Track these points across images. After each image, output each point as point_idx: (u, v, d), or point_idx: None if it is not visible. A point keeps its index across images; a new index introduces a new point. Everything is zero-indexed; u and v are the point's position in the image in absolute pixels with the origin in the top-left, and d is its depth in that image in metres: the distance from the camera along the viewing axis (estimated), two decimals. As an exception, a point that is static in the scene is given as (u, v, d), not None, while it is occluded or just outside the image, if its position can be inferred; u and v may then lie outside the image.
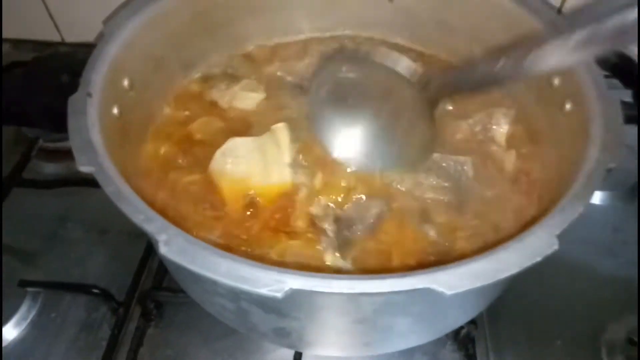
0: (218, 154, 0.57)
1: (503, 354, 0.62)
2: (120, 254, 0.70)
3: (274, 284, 0.35)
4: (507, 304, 0.64)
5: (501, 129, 0.63)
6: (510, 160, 0.61)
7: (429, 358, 0.61)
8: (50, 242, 0.71)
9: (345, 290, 0.35)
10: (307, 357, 0.58)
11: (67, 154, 0.80)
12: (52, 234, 0.72)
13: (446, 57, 0.72)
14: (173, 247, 0.37)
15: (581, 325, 0.63)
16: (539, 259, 0.37)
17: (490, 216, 0.56)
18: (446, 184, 0.57)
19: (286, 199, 0.56)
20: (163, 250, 0.36)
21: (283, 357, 0.60)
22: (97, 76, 0.49)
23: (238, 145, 0.57)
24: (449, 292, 0.35)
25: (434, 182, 0.57)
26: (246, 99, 0.66)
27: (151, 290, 0.63)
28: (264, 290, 0.35)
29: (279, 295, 0.35)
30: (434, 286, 0.35)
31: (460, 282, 0.35)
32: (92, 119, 0.45)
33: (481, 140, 0.62)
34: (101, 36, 0.53)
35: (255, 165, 0.57)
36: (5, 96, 0.64)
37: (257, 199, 0.56)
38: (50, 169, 0.80)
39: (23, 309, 0.64)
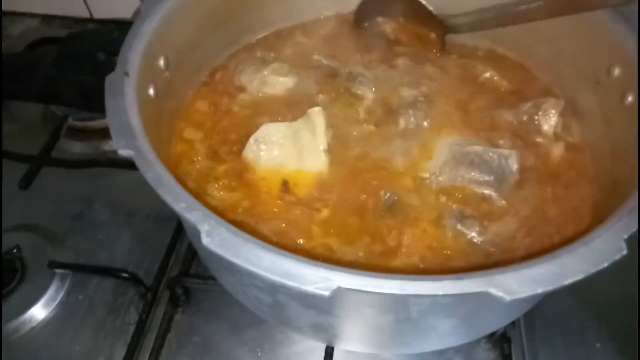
0: (252, 140, 0.55)
1: (538, 355, 0.60)
2: (147, 238, 0.69)
3: (321, 281, 0.33)
4: (543, 303, 0.61)
5: (549, 120, 0.60)
6: (557, 153, 0.58)
7: (462, 356, 0.59)
8: (78, 223, 0.71)
9: (396, 292, 0.33)
10: (338, 352, 0.57)
11: (95, 134, 0.80)
12: (80, 215, 0.71)
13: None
14: (215, 238, 0.35)
15: (623, 329, 0.61)
16: (605, 264, 0.34)
17: (535, 212, 0.53)
18: (488, 178, 0.54)
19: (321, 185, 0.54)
20: (205, 241, 0.35)
21: (311, 348, 0.59)
22: (134, 55, 0.47)
23: (272, 131, 0.55)
24: (508, 298, 0.32)
25: (476, 176, 0.54)
26: (276, 83, 0.64)
27: (180, 276, 0.62)
28: (310, 288, 0.33)
29: (326, 293, 0.33)
30: (492, 290, 0.33)
31: (520, 287, 0.33)
32: (130, 99, 0.43)
33: (527, 132, 0.59)
34: (138, 13, 0.50)
35: (289, 152, 0.55)
36: (37, 74, 0.62)
37: (292, 185, 0.54)
38: (77, 148, 0.79)
39: (51, 290, 0.63)
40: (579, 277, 0.33)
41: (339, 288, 0.33)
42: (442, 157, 0.56)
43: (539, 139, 0.59)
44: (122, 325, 0.62)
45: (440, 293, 0.33)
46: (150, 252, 0.67)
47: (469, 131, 0.59)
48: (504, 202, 0.54)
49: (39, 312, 0.62)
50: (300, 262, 0.34)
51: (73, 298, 0.63)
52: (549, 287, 0.33)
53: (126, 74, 0.45)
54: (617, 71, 0.51)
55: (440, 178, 0.55)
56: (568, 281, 0.33)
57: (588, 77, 0.57)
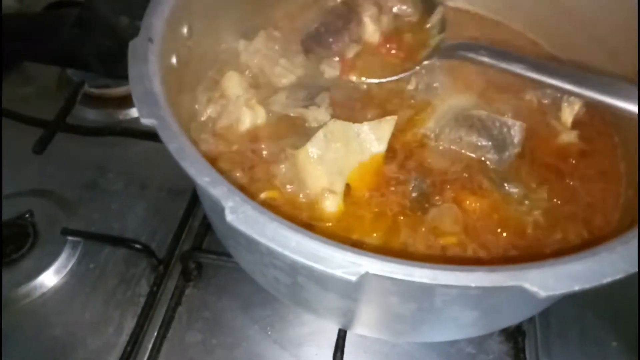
0: (320, 134, 0.50)
1: (552, 350, 0.59)
2: (160, 210, 0.68)
3: (349, 266, 0.32)
4: (560, 299, 0.60)
5: (572, 108, 0.59)
6: (568, 141, 0.57)
7: (474, 347, 0.58)
8: (91, 191, 0.70)
9: (427, 281, 0.31)
10: (350, 335, 0.56)
11: (110, 101, 0.78)
12: (93, 183, 0.70)
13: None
14: (240, 215, 0.34)
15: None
16: (647, 265, 0.33)
17: (525, 187, 0.53)
18: (486, 143, 0.54)
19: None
20: (229, 218, 0.33)
21: (323, 330, 0.58)
22: (158, 20, 0.46)
23: (339, 129, 0.51)
24: (544, 294, 0.31)
25: (474, 140, 0.55)
26: (284, 77, 0.61)
27: (194, 251, 0.61)
28: (338, 272, 0.32)
29: (353, 279, 0.31)
30: (527, 285, 0.31)
31: (557, 283, 0.32)
32: (153, 67, 0.42)
33: (544, 114, 0.59)
34: (163, -23, 0.48)
35: (352, 153, 0.52)
36: (57, 35, 0.60)
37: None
38: (93, 115, 0.77)
39: (63, 257, 0.63)
40: (619, 276, 0.32)
41: (367, 274, 0.32)
42: (445, 118, 0.56)
43: (555, 123, 0.58)
44: (133, 296, 0.61)
45: (473, 285, 0.31)
46: (163, 224, 0.67)
47: (481, 98, 0.59)
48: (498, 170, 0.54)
49: (49, 278, 0.62)
50: (327, 244, 0.33)
51: (84, 266, 0.63)
52: (587, 285, 0.32)
53: (150, 40, 0.43)
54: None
55: (439, 137, 0.56)
56: (607, 280, 0.32)
57: (626, 68, 0.55)
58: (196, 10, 0.53)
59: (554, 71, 0.50)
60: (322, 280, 0.39)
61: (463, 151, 0.56)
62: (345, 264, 0.32)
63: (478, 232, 0.50)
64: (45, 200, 0.67)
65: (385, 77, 0.61)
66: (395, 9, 0.68)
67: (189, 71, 0.54)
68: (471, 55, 0.56)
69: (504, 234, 0.50)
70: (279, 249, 0.32)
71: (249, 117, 0.56)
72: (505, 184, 0.54)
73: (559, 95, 0.60)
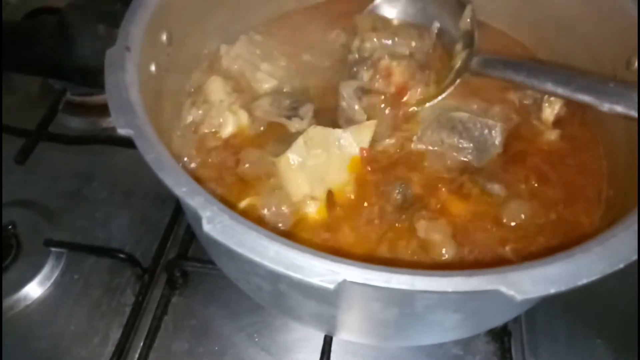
0: (300, 141, 0.50)
1: (538, 350, 0.59)
2: (146, 218, 0.68)
3: (327, 274, 0.32)
4: (545, 297, 0.61)
5: (553, 107, 0.59)
6: (550, 140, 0.58)
7: (461, 348, 0.59)
8: (75, 200, 0.69)
9: (405, 287, 0.31)
10: (337, 340, 0.56)
11: (93, 109, 0.77)
12: (77, 192, 0.70)
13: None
14: (217, 225, 0.33)
15: (625, 325, 0.60)
16: (621, 265, 0.33)
17: (508, 187, 0.53)
18: (467, 145, 0.55)
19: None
20: (206, 228, 0.33)
21: (310, 336, 0.58)
22: (136, 29, 0.45)
23: (319, 135, 0.51)
24: (519, 297, 0.31)
25: (456, 141, 0.55)
26: (266, 82, 0.61)
27: (179, 259, 0.61)
28: (315, 280, 0.32)
29: (331, 287, 0.31)
30: (503, 289, 0.31)
31: (533, 286, 0.32)
32: (130, 76, 0.42)
33: (526, 113, 0.59)
34: (141, -15, 0.48)
35: (333, 159, 0.52)
36: (35, 45, 0.59)
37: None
38: (75, 123, 0.77)
39: (47, 269, 0.62)
40: (595, 277, 0.32)
41: (344, 281, 0.32)
42: (427, 120, 0.57)
43: (536, 123, 0.59)
44: (118, 306, 0.61)
45: (450, 290, 0.31)
46: (148, 232, 0.66)
47: (463, 100, 0.59)
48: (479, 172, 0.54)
49: (33, 290, 0.61)
50: (305, 252, 0.32)
51: (68, 277, 0.62)
52: (563, 288, 0.32)
53: (127, 48, 0.43)
54: (636, 64, 0.49)
55: (421, 139, 0.56)
56: (583, 282, 0.32)
57: (606, 69, 0.55)
58: (175, 17, 0.53)
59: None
60: (303, 288, 0.39)
61: (445, 153, 0.56)
62: (323, 272, 0.32)
63: (463, 234, 0.50)
64: (28, 211, 0.66)
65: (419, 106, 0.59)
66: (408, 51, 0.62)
67: (170, 78, 0.54)
68: (509, 74, 0.55)
69: (489, 234, 0.50)
70: (257, 259, 0.32)
71: (232, 121, 0.56)
72: (488, 185, 0.54)
73: (539, 95, 0.60)
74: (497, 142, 0.55)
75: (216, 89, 0.58)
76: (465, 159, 0.55)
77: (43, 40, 0.59)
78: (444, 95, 0.59)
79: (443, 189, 0.53)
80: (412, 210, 0.52)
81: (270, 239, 0.33)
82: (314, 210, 0.48)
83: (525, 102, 0.61)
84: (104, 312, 0.60)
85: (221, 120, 0.56)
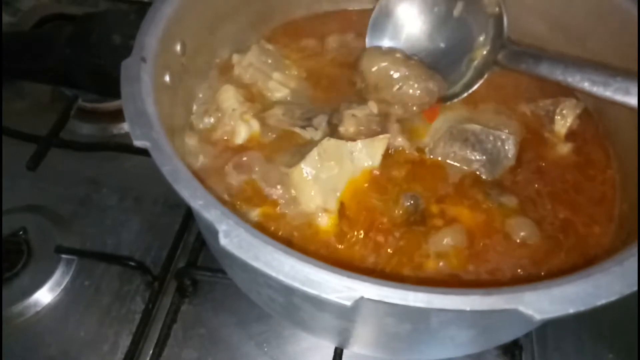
0: (314, 153, 0.49)
1: (549, 364, 0.59)
2: (156, 224, 0.68)
3: (344, 290, 0.32)
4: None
5: (565, 120, 0.59)
6: (562, 154, 0.58)
7: (471, 361, 0.58)
8: (85, 206, 0.69)
9: (422, 305, 0.31)
10: (347, 352, 0.56)
11: (104, 116, 0.78)
12: (88, 199, 0.70)
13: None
14: (234, 239, 0.33)
15: (636, 339, 0.59)
16: (640, 286, 0.33)
17: (521, 200, 0.53)
18: (480, 157, 0.55)
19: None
20: (223, 242, 0.33)
21: (320, 346, 0.58)
22: (151, 39, 0.45)
23: (333, 147, 0.50)
24: (538, 317, 0.31)
25: (468, 154, 0.55)
26: (278, 91, 0.61)
27: (189, 268, 0.61)
28: (332, 297, 0.31)
29: (348, 303, 0.31)
30: (522, 308, 0.31)
31: (552, 306, 0.31)
32: (146, 87, 0.42)
33: (539, 126, 0.59)
34: (156, -4, 0.48)
35: (346, 171, 0.51)
36: (50, 54, 0.60)
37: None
38: (87, 129, 0.77)
39: (57, 275, 0.62)
40: (614, 298, 0.32)
41: (362, 298, 0.31)
42: (440, 132, 0.57)
43: (549, 136, 0.59)
44: (128, 313, 0.61)
45: (468, 309, 0.31)
46: (158, 239, 0.66)
47: (475, 110, 0.59)
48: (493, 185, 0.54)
49: (44, 296, 0.61)
50: (322, 268, 0.32)
51: (79, 283, 0.62)
52: (582, 308, 0.32)
53: (143, 59, 0.43)
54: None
55: (434, 151, 0.56)
56: (602, 302, 0.32)
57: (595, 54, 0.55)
58: (189, 27, 0.53)
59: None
60: (317, 302, 0.38)
61: (457, 165, 0.56)
62: (340, 288, 0.32)
63: (475, 246, 0.50)
64: (38, 217, 0.66)
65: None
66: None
67: (183, 86, 0.54)
68: (542, 70, 0.50)
69: (501, 248, 0.50)
70: (273, 274, 0.32)
71: (244, 130, 0.56)
72: (500, 198, 0.54)
73: (551, 107, 0.60)
74: (510, 155, 0.55)
75: (228, 97, 0.58)
76: (477, 172, 0.55)
77: (58, 49, 0.59)
78: (465, 94, 0.58)
79: (455, 201, 0.53)
80: (423, 222, 0.52)
81: (287, 254, 0.33)
82: (326, 222, 0.48)
83: (537, 113, 0.61)
84: (113, 319, 0.60)
85: (233, 128, 0.56)
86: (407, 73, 0.56)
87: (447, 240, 0.50)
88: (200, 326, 0.60)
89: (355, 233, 0.49)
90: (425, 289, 0.32)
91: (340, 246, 0.48)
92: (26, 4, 0.94)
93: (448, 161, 0.56)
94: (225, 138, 0.56)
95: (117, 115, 0.76)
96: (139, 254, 0.65)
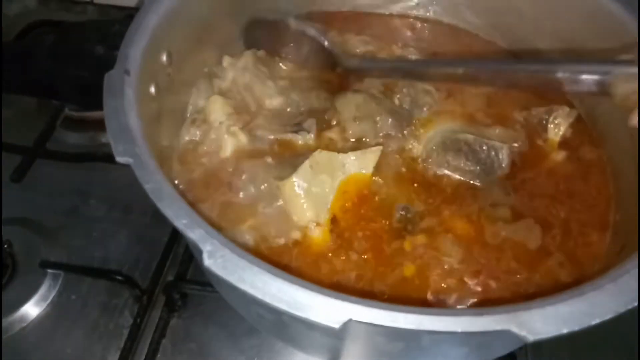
0: (307, 165, 0.49)
1: (544, 375, 0.58)
2: (144, 236, 0.67)
3: (332, 313, 0.31)
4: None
5: (559, 128, 0.59)
6: (556, 162, 0.57)
7: (466, 373, 0.57)
8: (72, 218, 0.68)
9: (412, 327, 0.30)
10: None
11: (92, 124, 0.76)
12: (74, 210, 0.68)
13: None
14: (219, 259, 0.32)
15: (631, 352, 0.59)
16: (635, 304, 0.32)
17: (514, 210, 0.53)
18: (473, 168, 0.54)
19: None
20: (207, 262, 0.32)
21: (312, 360, 0.57)
22: (135, 51, 0.44)
23: (325, 159, 0.50)
24: (531, 338, 0.30)
25: (462, 164, 0.54)
26: (272, 97, 0.60)
27: (177, 281, 0.60)
28: (320, 320, 0.30)
29: (336, 326, 0.30)
30: (515, 329, 0.30)
31: (545, 326, 0.31)
32: (129, 100, 0.41)
33: (532, 134, 0.59)
34: (141, 5, 0.47)
35: (337, 184, 0.51)
36: (32, 66, 0.58)
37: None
38: (74, 139, 0.75)
39: (43, 289, 0.61)
40: (609, 316, 0.31)
41: (350, 321, 0.30)
42: (433, 142, 0.56)
43: (542, 144, 0.58)
44: (116, 328, 0.59)
45: (459, 330, 0.30)
46: (147, 251, 0.65)
47: (468, 121, 0.59)
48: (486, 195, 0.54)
49: (30, 311, 0.60)
50: (309, 289, 0.31)
51: (65, 298, 0.61)
52: (576, 327, 0.31)
53: (127, 72, 0.42)
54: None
55: (427, 161, 0.55)
56: (596, 321, 0.31)
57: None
58: (176, 36, 0.52)
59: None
60: (306, 322, 0.37)
61: (450, 174, 0.55)
62: (327, 310, 0.31)
63: (469, 257, 0.49)
64: (24, 229, 0.65)
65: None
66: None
67: (170, 97, 0.53)
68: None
69: (495, 259, 0.49)
70: (259, 296, 0.31)
71: (230, 144, 0.54)
72: (494, 208, 0.53)
73: (545, 115, 0.60)
74: (503, 165, 0.54)
75: (216, 109, 0.56)
76: (471, 181, 0.54)
77: (39, 61, 0.58)
78: None
79: (447, 212, 0.52)
80: (416, 232, 0.51)
81: (273, 275, 0.32)
82: (318, 235, 0.47)
83: (530, 121, 0.60)
84: (101, 334, 0.59)
85: (220, 142, 0.55)
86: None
87: (440, 250, 0.49)
88: (190, 340, 0.59)
89: (347, 244, 0.48)
90: (415, 310, 0.31)
91: (331, 259, 0.47)
92: (13, 10, 0.93)
93: (442, 171, 0.55)
94: (212, 151, 0.55)
95: (105, 124, 0.74)
96: (127, 266, 0.64)
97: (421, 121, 0.59)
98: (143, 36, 0.46)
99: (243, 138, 0.54)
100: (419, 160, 0.56)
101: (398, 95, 0.60)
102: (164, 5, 0.49)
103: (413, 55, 0.66)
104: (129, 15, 0.59)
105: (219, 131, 0.53)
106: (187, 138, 0.55)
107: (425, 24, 0.71)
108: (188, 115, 0.58)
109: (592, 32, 0.55)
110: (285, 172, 0.49)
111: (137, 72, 0.44)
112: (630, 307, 0.32)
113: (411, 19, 0.71)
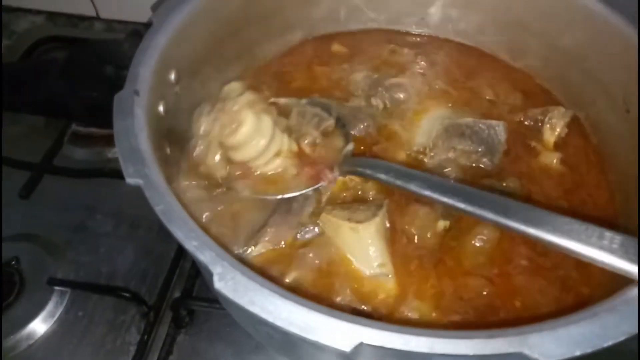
0: (384, 210, 0.49)
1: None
2: (151, 252, 0.67)
3: (343, 336, 0.31)
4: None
5: (553, 129, 0.59)
6: (549, 162, 0.58)
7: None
8: (79, 234, 0.68)
9: (424, 350, 0.30)
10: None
11: (99, 140, 0.77)
12: (81, 225, 0.69)
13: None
14: (229, 282, 0.32)
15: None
16: (649, 325, 0.32)
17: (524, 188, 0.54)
18: (479, 148, 0.56)
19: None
20: (217, 285, 0.32)
21: (319, 377, 0.57)
22: (145, 71, 0.45)
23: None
24: (543, 360, 0.30)
25: (468, 147, 0.55)
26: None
27: (184, 298, 0.60)
28: (331, 343, 0.30)
29: (347, 350, 0.30)
30: (527, 352, 0.30)
31: (558, 349, 0.30)
32: (139, 121, 0.41)
33: (526, 134, 0.60)
34: (150, 25, 0.48)
35: None
36: (42, 86, 0.59)
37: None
38: (81, 154, 0.76)
39: (50, 306, 0.61)
40: (622, 338, 0.31)
41: (361, 344, 0.30)
42: (433, 131, 0.57)
43: (536, 145, 0.59)
44: (123, 345, 0.59)
45: (471, 353, 0.30)
46: (154, 266, 0.65)
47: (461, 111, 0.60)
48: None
49: (37, 328, 0.60)
50: (320, 313, 0.31)
51: (72, 314, 0.61)
52: (589, 350, 0.31)
53: (136, 92, 0.42)
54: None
55: (434, 151, 0.56)
56: (609, 343, 0.31)
57: (618, 105, 0.54)
58: (184, 54, 0.52)
59: (458, 193, 0.41)
60: (317, 344, 0.37)
61: (457, 159, 0.56)
62: (339, 334, 0.31)
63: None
64: (31, 245, 0.65)
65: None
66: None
67: (178, 116, 0.53)
68: (368, 172, 0.48)
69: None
70: (270, 319, 0.31)
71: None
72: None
73: (540, 117, 0.60)
74: (502, 140, 0.56)
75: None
76: (479, 164, 0.55)
77: (50, 81, 0.58)
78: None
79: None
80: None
81: (284, 298, 0.32)
82: (390, 282, 0.46)
83: (525, 122, 0.61)
84: (108, 351, 0.59)
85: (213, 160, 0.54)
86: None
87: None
88: (197, 357, 0.59)
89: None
90: (426, 333, 0.31)
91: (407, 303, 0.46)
92: (21, 26, 0.94)
93: (449, 156, 0.55)
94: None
95: (112, 140, 0.74)
96: (134, 282, 0.64)
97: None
98: (152, 56, 0.47)
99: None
100: (426, 150, 0.56)
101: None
102: (171, 27, 0.49)
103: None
104: (135, 30, 0.59)
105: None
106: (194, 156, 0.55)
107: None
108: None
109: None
110: (341, 213, 0.48)
111: (146, 91, 0.44)
112: (643, 328, 0.32)
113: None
